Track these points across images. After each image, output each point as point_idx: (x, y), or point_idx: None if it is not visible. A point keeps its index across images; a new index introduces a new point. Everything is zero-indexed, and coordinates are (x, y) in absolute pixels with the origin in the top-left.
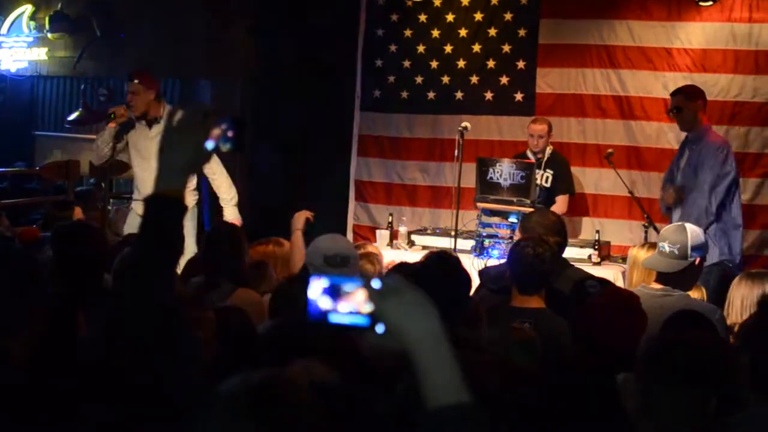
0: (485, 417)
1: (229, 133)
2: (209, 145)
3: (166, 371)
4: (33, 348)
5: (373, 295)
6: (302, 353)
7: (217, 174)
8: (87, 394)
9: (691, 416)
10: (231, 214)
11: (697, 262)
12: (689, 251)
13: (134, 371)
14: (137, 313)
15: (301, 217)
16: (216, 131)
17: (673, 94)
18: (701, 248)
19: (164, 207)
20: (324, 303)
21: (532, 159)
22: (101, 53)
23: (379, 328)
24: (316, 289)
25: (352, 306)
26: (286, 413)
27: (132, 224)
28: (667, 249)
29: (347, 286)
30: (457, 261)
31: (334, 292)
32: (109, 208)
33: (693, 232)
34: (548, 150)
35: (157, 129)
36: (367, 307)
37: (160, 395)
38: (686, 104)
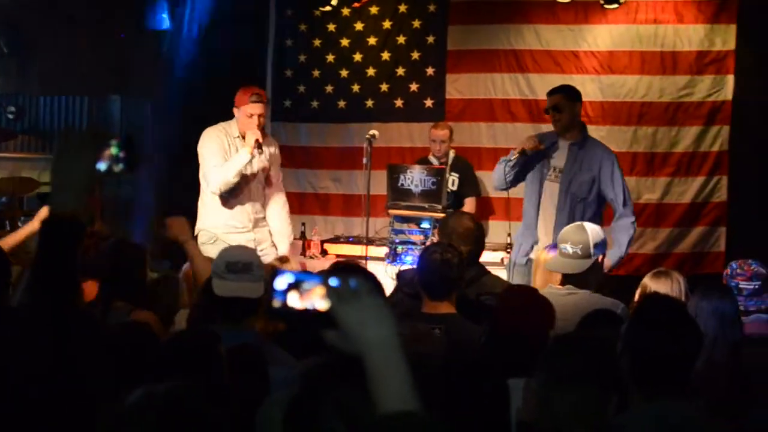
0: (433, 427)
1: (121, 154)
2: (101, 166)
3: (68, 383)
4: None
5: (332, 295)
6: (202, 364)
7: (279, 183)
8: None
9: (589, 416)
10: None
11: (599, 259)
12: (592, 249)
13: (36, 383)
14: (38, 325)
15: (182, 226)
16: (107, 152)
17: (551, 93)
18: (602, 246)
19: (60, 226)
20: (290, 298)
21: (436, 164)
22: (9, 70)
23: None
24: (282, 284)
25: (309, 302)
26: (190, 423)
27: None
28: (570, 250)
29: (307, 283)
30: (363, 269)
31: (296, 288)
32: (20, 225)
33: (593, 230)
34: (451, 154)
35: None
36: (323, 304)
37: (63, 407)
38: (566, 104)
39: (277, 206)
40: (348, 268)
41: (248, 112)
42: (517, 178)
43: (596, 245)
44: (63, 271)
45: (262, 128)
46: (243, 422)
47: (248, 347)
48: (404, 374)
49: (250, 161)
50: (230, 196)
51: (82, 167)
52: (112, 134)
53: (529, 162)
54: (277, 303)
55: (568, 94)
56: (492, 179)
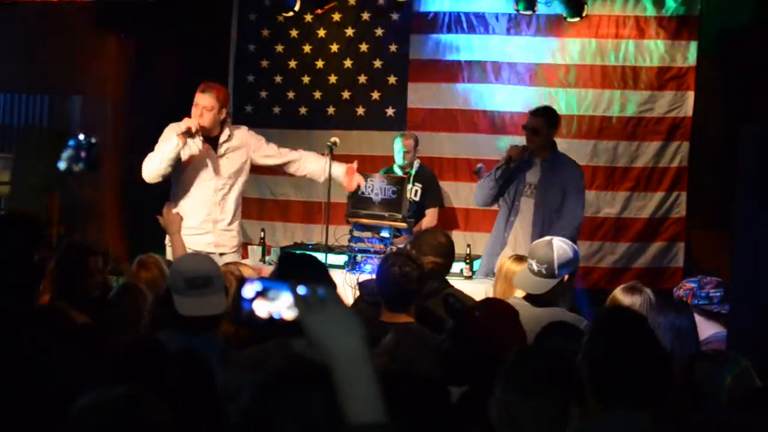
0: None
1: (81, 153)
2: (61, 165)
3: (18, 381)
4: None
5: (299, 304)
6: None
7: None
8: None
9: (550, 425)
10: (340, 167)
11: (565, 279)
12: (556, 270)
13: None
14: None
15: (175, 219)
16: (67, 152)
17: (533, 114)
18: (569, 265)
19: (19, 225)
20: (258, 306)
21: (400, 173)
22: None
23: (306, 337)
24: (250, 292)
25: (275, 311)
26: (137, 430)
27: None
28: (536, 268)
29: (274, 292)
30: (314, 259)
31: (263, 297)
32: None
33: (560, 249)
34: (416, 164)
35: (225, 147)
36: (291, 313)
37: (11, 405)
38: (544, 129)
39: (301, 159)
40: (297, 259)
41: (195, 101)
42: (500, 192)
43: (562, 265)
44: (20, 270)
45: (219, 124)
46: (188, 427)
47: (192, 352)
48: (372, 384)
49: (182, 148)
50: (186, 198)
51: (42, 167)
52: (72, 133)
53: (509, 176)
54: (244, 311)
55: (549, 120)
56: (475, 199)
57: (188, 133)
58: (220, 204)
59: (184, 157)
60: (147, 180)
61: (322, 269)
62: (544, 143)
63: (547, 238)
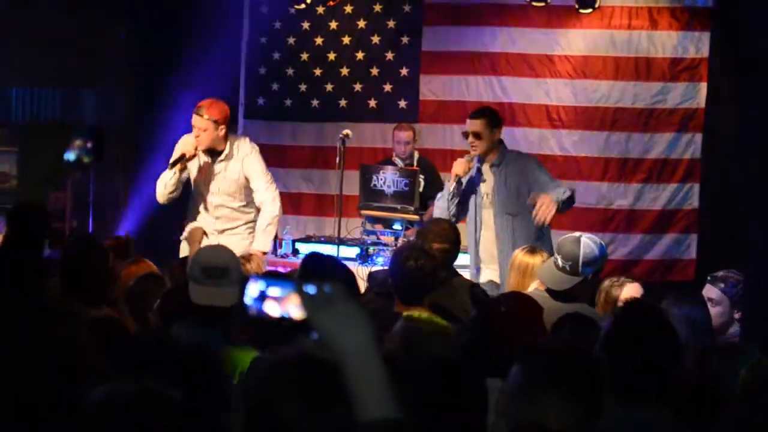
0: None
1: (89, 144)
2: (69, 156)
3: (31, 374)
4: None
5: (307, 302)
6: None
7: (259, 190)
8: None
9: (562, 420)
10: (258, 243)
11: (588, 278)
12: (581, 268)
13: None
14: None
15: (197, 231)
16: (75, 143)
17: (473, 116)
18: (593, 264)
19: (27, 216)
20: (267, 306)
21: (401, 165)
22: None
23: (314, 335)
24: (254, 291)
25: (284, 310)
26: (152, 425)
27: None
28: (561, 263)
29: (281, 290)
30: (336, 261)
31: (271, 296)
32: None
33: (587, 247)
34: (415, 155)
35: (223, 165)
36: (299, 313)
37: (25, 397)
38: (486, 131)
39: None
40: (321, 259)
41: (192, 122)
42: (461, 210)
43: (586, 263)
44: (29, 261)
45: (222, 140)
46: (194, 421)
47: (201, 346)
48: (383, 380)
49: (180, 175)
50: (195, 203)
51: (50, 159)
52: (79, 125)
53: (465, 192)
54: (252, 311)
55: (490, 121)
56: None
57: (183, 159)
58: (224, 211)
59: (189, 177)
60: (160, 202)
61: (349, 275)
62: (490, 146)
63: (576, 234)
